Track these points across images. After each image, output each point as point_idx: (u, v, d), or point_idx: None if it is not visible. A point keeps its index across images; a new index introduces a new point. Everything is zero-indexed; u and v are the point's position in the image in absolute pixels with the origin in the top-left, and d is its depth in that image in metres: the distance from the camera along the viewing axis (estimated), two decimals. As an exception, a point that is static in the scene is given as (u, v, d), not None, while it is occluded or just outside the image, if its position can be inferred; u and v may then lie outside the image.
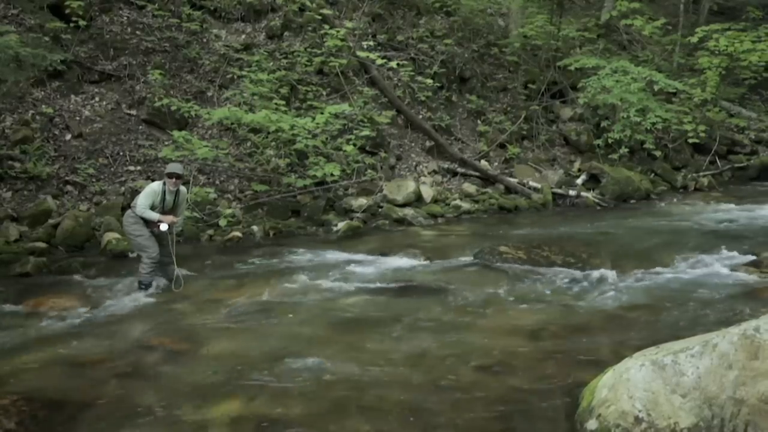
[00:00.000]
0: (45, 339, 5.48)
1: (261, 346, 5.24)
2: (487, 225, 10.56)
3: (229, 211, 9.66)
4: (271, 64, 11.97)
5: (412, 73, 13.01)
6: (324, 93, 12.33)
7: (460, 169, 12.51)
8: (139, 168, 10.04)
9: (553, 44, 14.97)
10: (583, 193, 12.25)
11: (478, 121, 13.90)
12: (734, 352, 3.45)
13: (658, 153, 13.78)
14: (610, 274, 7.06)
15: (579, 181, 12.85)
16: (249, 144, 10.90)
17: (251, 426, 3.97)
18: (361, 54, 12.30)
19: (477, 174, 12.53)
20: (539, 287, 6.79)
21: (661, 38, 16.60)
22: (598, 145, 13.67)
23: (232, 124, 10.69)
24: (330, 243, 9.06)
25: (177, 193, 6.94)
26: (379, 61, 11.99)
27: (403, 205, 10.90)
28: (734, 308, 5.85)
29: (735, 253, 7.77)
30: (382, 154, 11.85)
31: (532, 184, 12.42)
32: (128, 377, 4.71)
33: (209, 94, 11.52)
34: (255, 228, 9.46)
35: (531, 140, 13.99)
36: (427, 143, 12.88)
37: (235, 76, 11.56)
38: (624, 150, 13.35)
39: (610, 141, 13.46)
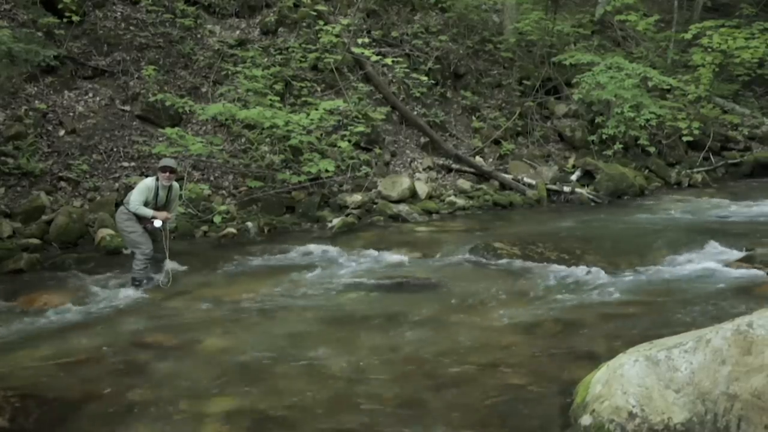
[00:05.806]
0: (38, 336, 5.47)
1: (255, 343, 5.24)
2: (482, 221, 10.57)
3: (223, 207, 9.64)
4: (266, 60, 11.95)
5: (407, 70, 12.99)
6: (318, 89, 12.32)
7: (454, 166, 12.52)
8: (133, 164, 10.01)
9: (548, 40, 14.99)
10: (578, 190, 12.27)
11: (473, 118, 13.90)
12: (727, 348, 3.46)
13: (652, 149, 13.80)
14: (604, 270, 7.07)
15: (573, 177, 12.88)
16: (243, 140, 10.88)
17: (245, 422, 3.97)
18: (356, 50, 12.28)
19: (471, 170, 12.54)
20: (534, 283, 6.80)
21: (655, 35, 16.66)
22: (593, 141, 13.71)
23: (226, 120, 10.67)
24: (324, 239, 9.04)
25: (170, 188, 6.93)
26: (374, 58, 11.98)
27: (398, 202, 10.90)
28: (727, 304, 5.85)
29: (728, 249, 7.77)
30: (377, 151, 11.84)
31: (526, 180, 12.44)
32: (121, 374, 4.69)
33: (203, 89, 11.49)
34: (250, 224, 9.45)
35: (525, 136, 14.01)
36: (422, 139, 12.88)
37: (230, 72, 11.52)
38: (618, 146, 13.39)
39: (604, 137, 13.51)
